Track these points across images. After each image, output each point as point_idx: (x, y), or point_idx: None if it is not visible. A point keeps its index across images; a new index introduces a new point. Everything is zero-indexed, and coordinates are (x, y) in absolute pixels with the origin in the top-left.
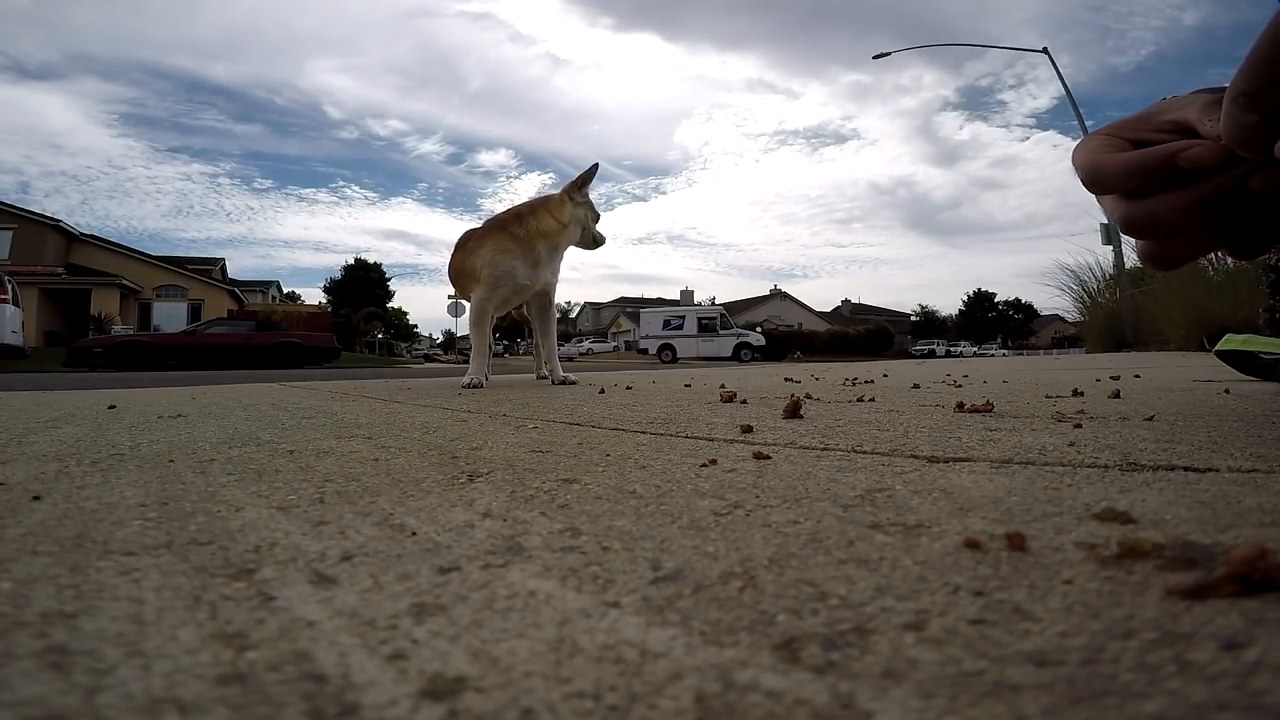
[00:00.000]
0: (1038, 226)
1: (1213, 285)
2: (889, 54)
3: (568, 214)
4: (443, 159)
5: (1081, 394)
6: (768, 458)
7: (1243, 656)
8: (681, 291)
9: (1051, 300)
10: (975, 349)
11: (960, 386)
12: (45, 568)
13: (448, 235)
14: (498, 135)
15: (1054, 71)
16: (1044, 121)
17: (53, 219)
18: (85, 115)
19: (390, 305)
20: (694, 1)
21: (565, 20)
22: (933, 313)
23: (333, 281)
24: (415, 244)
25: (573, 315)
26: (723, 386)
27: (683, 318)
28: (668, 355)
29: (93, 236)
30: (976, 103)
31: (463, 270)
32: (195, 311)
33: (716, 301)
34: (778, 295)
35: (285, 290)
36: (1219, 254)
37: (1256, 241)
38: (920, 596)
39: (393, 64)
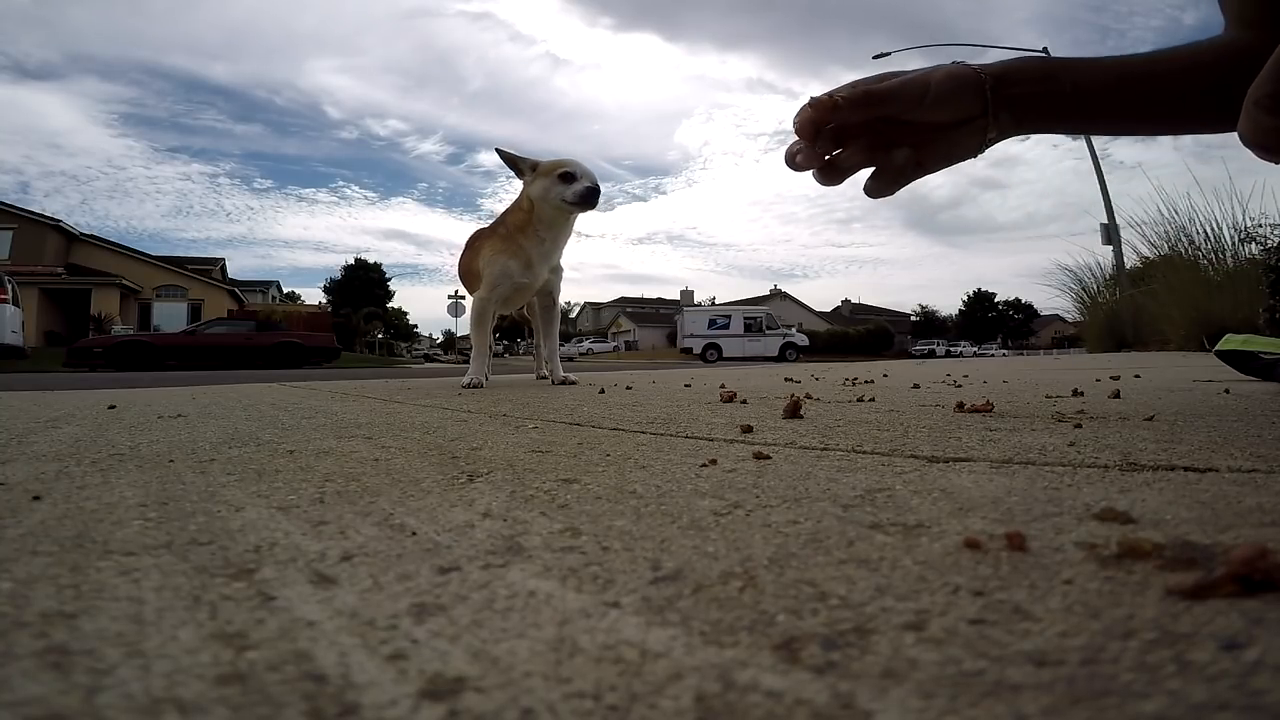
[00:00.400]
0: (1038, 226)
1: (1213, 285)
2: (889, 54)
3: (527, 198)
4: (442, 159)
5: (1081, 394)
6: (768, 458)
7: (1243, 656)
8: (681, 291)
9: (1051, 300)
10: (975, 349)
11: (960, 386)
12: (45, 568)
13: (447, 235)
14: (498, 135)
15: None
16: None
17: (53, 219)
18: (85, 115)
19: (390, 305)
20: (694, 1)
21: (565, 20)
22: (933, 313)
23: (333, 281)
24: (415, 244)
25: (573, 315)
26: (723, 386)
27: (728, 317)
28: (713, 355)
29: (93, 236)
30: None
31: (470, 270)
32: (195, 311)
33: (717, 301)
34: (778, 295)
35: (285, 290)
36: (1221, 251)
37: None
38: (920, 596)
39: (392, 64)
